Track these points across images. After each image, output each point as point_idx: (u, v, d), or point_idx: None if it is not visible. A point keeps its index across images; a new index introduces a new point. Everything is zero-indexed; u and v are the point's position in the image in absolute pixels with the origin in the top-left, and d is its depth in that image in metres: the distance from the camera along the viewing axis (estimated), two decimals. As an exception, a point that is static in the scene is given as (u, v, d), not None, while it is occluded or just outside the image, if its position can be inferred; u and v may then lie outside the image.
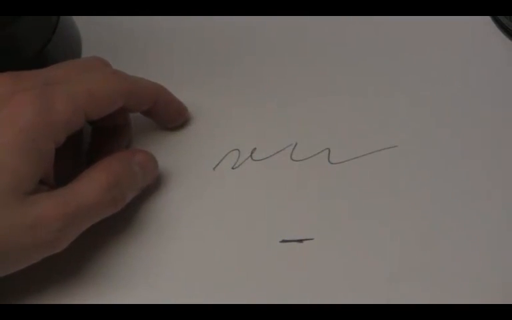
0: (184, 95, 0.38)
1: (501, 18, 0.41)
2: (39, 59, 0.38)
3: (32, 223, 0.29)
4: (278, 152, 0.38)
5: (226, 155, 0.38)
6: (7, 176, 0.29)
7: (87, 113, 0.32)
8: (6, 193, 0.29)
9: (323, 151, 0.37)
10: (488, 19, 0.42)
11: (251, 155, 0.38)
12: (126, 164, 0.33)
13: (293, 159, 0.37)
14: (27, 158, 0.29)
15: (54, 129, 0.31)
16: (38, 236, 0.29)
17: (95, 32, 0.43)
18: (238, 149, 0.38)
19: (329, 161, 0.37)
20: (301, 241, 0.35)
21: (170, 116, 0.38)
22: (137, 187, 0.34)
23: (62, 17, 0.39)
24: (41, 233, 0.29)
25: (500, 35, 0.41)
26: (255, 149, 0.38)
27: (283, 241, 0.35)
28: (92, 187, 0.31)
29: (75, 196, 0.30)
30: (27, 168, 0.29)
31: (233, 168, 0.37)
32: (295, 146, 0.38)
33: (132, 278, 0.34)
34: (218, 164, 0.37)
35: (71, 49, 0.41)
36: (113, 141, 0.36)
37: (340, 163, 0.37)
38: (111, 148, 0.36)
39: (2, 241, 0.29)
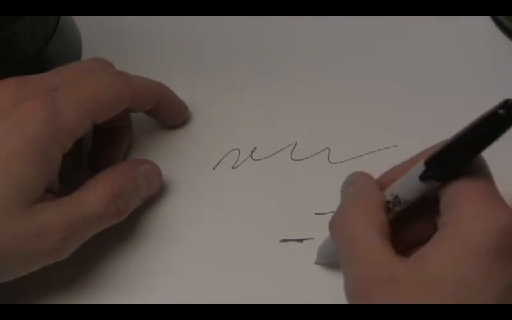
0: (184, 94, 0.38)
1: (501, 18, 0.41)
2: (39, 59, 0.38)
3: (36, 232, 0.29)
4: (278, 152, 0.38)
5: (226, 155, 0.38)
6: (14, 185, 0.29)
7: (93, 117, 0.32)
8: (12, 201, 0.29)
9: (322, 150, 0.37)
10: (488, 18, 0.42)
11: (251, 155, 0.38)
12: (131, 175, 0.33)
13: (292, 159, 0.37)
14: (35, 167, 0.29)
15: (61, 137, 0.31)
16: (42, 244, 0.29)
17: (95, 32, 0.43)
18: (238, 149, 0.38)
19: (328, 160, 0.37)
20: (300, 240, 0.35)
21: (171, 114, 0.38)
22: (140, 198, 0.34)
23: (62, 17, 0.39)
24: (45, 241, 0.29)
25: (500, 35, 0.41)
26: (255, 148, 0.38)
27: (283, 241, 0.35)
28: (97, 197, 0.31)
29: (79, 206, 0.30)
30: (33, 177, 0.29)
31: (233, 167, 0.37)
32: (295, 146, 0.38)
33: (131, 278, 0.34)
34: (218, 163, 0.37)
35: (71, 49, 0.41)
36: (115, 141, 0.36)
37: (340, 162, 0.37)
38: (113, 149, 0.36)
39: (6, 248, 0.29)
